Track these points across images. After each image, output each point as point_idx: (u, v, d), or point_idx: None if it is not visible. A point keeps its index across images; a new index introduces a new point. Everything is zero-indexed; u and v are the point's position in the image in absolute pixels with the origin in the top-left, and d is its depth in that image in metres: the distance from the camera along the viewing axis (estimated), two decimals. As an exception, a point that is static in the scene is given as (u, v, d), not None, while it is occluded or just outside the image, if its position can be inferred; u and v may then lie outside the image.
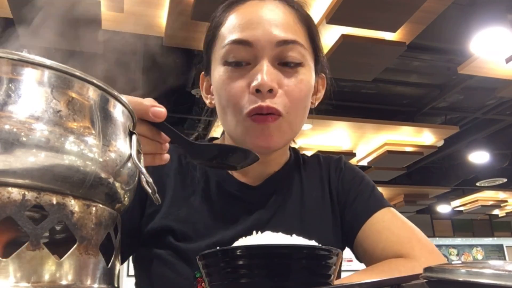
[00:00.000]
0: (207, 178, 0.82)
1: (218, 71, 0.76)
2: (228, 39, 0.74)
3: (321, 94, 0.88)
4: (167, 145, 0.61)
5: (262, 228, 0.55)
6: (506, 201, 7.65)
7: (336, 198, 0.86)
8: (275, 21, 0.74)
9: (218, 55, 0.76)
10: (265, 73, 0.70)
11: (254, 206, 0.81)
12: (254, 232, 0.52)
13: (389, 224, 0.79)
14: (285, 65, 0.74)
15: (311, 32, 0.80)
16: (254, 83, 0.70)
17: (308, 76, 0.77)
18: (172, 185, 0.80)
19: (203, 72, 0.86)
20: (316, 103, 0.88)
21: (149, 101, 0.58)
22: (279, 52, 0.73)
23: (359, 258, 0.83)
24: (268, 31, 0.72)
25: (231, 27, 0.74)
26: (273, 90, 0.71)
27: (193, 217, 0.78)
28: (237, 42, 0.73)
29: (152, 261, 0.77)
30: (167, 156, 0.61)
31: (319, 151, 4.85)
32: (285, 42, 0.73)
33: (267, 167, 0.84)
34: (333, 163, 0.92)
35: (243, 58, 0.73)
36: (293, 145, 0.93)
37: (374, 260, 0.76)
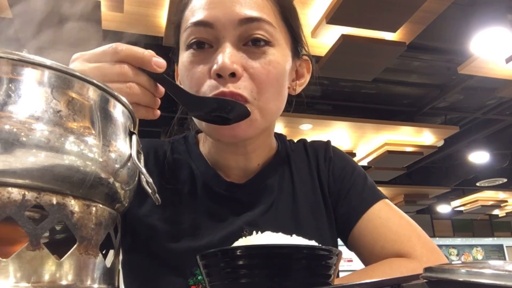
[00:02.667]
0: (193, 178, 0.78)
1: (182, 57, 0.71)
2: (189, 22, 0.69)
3: (305, 79, 0.81)
4: (159, 100, 0.62)
5: (253, 227, 0.54)
6: (506, 201, 7.65)
7: (327, 190, 0.82)
8: (235, 1, 0.67)
9: (182, 40, 0.71)
10: (226, 55, 0.64)
11: (243, 205, 0.77)
12: (254, 232, 0.52)
13: (387, 220, 0.76)
14: (251, 46, 0.67)
15: (284, 10, 0.73)
16: (215, 67, 0.64)
17: (278, 57, 0.69)
18: (156, 183, 0.77)
19: (176, 64, 0.80)
20: (299, 89, 0.80)
21: (149, 52, 0.58)
22: (242, 31, 0.67)
23: (356, 253, 0.80)
24: (229, 10, 0.66)
25: (193, 9, 0.69)
26: (236, 74, 0.65)
27: (179, 218, 0.74)
28: (197, 24, 0.67)
29: (142, 270, 0.74)
30: (158, 112, 0.62)
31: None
32: (248, 20, 0.66)
33: (249, 161, 0.79)
34: (320, 150, 0.87)
35: (204, 39, 0.68)
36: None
37: (374, 257, 0.75)
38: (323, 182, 0.83)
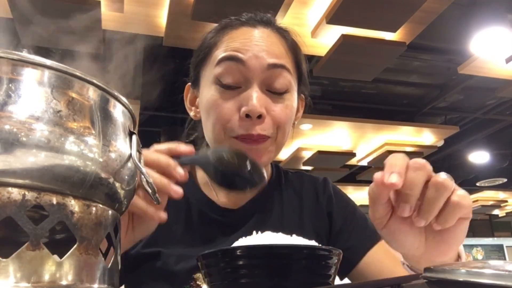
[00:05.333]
0: (189, 207, 0.84)
1: (209, 90, 0.78)
2: (221, 56, 0.77)
3: (300, 114, 0.92)
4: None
5: None
6: (506, 201, 7.65)
7: (323, 224, 0.88)
8: (266, 46, 0.78)
9: (210, 74, 0.79)
10: (255, 98, 0.74)
11: (233, 229, 0.82)
12: (254, 232, 0.52)
13: (392, 256, 0.84)
14: (273, 93, 0.78)
15: (297, 58, 0.85)
16: (244, 108, 0.73)
17: (292, 101, 0.81)
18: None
19: (189, 84, 0.89)
20: (296, 122, 0.91)
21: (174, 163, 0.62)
22: (268, 76, 0.76)
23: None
24: (260, 54, 0.76)
25: (225, 48, 0.78)
26: (262, 116, 0.74)
27: (174, 241, 0.80)
28: (230, 58, 0.76)
29: (138, 283, 0.79)
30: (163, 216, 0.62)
31: (319, 151, 4.86)
32: (274, 66, 0.76)
33: None
34: (319, 185, 0.93)
35: (235, 80, 0.76)
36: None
37: None
38: (319, 215, 0.89)
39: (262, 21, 0.83)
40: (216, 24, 0.86)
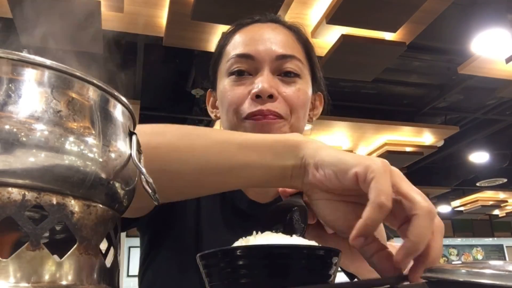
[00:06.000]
0: (222, 196, 0.85)
1: (223, 83, 0.82)
2: (232, 53, 0.81)
3: (318, 111, 0.94)
4: None
5: None
6: (506, 201, 7.65)
7: None
8: (275, 39, 0.81)
9: (223, 69, 0.83)
10: (265, 80, 0.76)
11: (257, 222, 0.83)
12: (254, 232, 0.52)
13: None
14: (284, 76, 0.79)
15: (308, 51, 0.87)
16: (255, 90, 0.75)
17: (305, 87, 0.82)
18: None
19: (210, 89, 0.92)
20: (314, 119, 0.92)
21: None
22: (278, 65, 0.79)
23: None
24: (268, 47, 0.79)
25: (235, 44, 0.82)
26: (273, 96, 0.75)
27: (203, 228, 0.82)
28: (240, 56, 0.79)
29: (166, 266, 0.81)
30: None
31: (319, 151, 4.85)
32: (283, 57, 0.79)
33: None
34: None
35: (245, 69, 0.79)
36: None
37: None
38: None
39: (272, 19, 0.87)
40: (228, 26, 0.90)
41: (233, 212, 0.84)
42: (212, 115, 0.91)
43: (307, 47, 0.87)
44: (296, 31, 0.87)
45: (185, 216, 0.82)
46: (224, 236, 0.80)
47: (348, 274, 0.77)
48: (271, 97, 0.75)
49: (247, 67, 0.79)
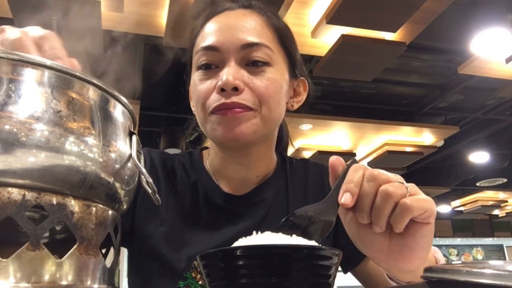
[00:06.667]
0: (195, 189, 0.84)
1: (193, 77, 0.80)
2: (199, 46, 0.78)
3: (302, 97, 0.89)
4: None
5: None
6: (506, 201, 7.65)
7: None
8: (241, 27, 0.78)
9: (194, 63, 0.81)
10: (229, 72, 0.73)
11: (239, 216, 0.82)
12: (254, 232, 0.52)
13: None
14: (252, 65, 0.76)
15: (282, 37, 0.82)
16: (219, 83, 0.73)
17: (275, 75, 0.78)
18: (164, 190, 0.83)
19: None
20: (296, 106, 0.88)
21: None
22: (244, 54, 0.76)
23: (363, 280, 0.86)
24: (233, 36, 0.76)
25: (203, 36, 0.79)
26: (238, 88, 0.73)
27: (178, 225, 0.81)
28: (206, 48, 0.77)
29: (142, 269, 0.81)
30: None
31: (319, 151, 4.86)
32: (249, 45, 0.76)
33: (250, 172, 0.84)
34: (326, 172, 0.91)
35: (212, 62, 0.77)
36: (290, 149, 0.93)
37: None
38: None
39: (243, 4, 0.83)
40: None
41: (208, 207, 0.83)
42: (191, 105, 0.87)
43: (279, 32, 0.82)
44: (267, 16, 0.82)
45: (154, 218, 0.81)
46: (203, 234, 0.80)
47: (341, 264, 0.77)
48: (236, 89, 0.73)
49: (214, 59, 0.76)
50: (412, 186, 0.54)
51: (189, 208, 0.83)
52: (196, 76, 0.78)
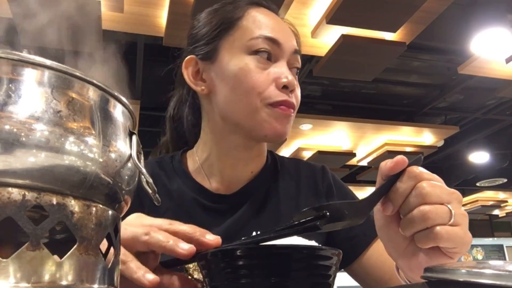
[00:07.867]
0: (182, 193, 0.83)
1: (241, 59, 0.77)
2: (259, 33, 0.78)
3: None
4: None
5: (233, 238, 0.55)
6: (506, 201, 7.65)
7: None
8: (290, 32, 0.84)
9: (240, 45, 0.78)
10: (289, 73, 0.79)
11: (226, 216, 0.81)
12: (254, 232, 0.52)
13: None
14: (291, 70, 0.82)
15: (298, 44, 0.88)
16: (284, 80, 0.76)
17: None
18: (148, 198, 0.81)
19: (190, 56, 0.83)
20: None
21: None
22: (291, 58, 0.81)
23: (358, 279, 0.86)
24: (290, 38, 0.82)
25: (259, 23, 0.80)
26: (294, 91, 0.79)
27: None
28: (269, 39, 0.78)
29: None
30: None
31: (319, 151, 4.87)
32: (296, 52, 0.82)
33: (246, 167, 0.85)
34: (318, 173, 0.92)
35: (270, 53, 0.79)
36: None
37: (384, 283, 0.80)
38: (319, 203, 0.86)
39: (274, 10, 0.87)
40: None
41: (197, 210, 0.82)
42: (199, 88, 0.82)
43: (297, 40, 0.88)
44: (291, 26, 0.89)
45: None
46: None
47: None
48: (292, 91, 0.78)
49: (272, 52, 0.79)
50: (461, 216, 0.50)
51: (177, 213, 0.80)
52: (250, 61, 0.77)
